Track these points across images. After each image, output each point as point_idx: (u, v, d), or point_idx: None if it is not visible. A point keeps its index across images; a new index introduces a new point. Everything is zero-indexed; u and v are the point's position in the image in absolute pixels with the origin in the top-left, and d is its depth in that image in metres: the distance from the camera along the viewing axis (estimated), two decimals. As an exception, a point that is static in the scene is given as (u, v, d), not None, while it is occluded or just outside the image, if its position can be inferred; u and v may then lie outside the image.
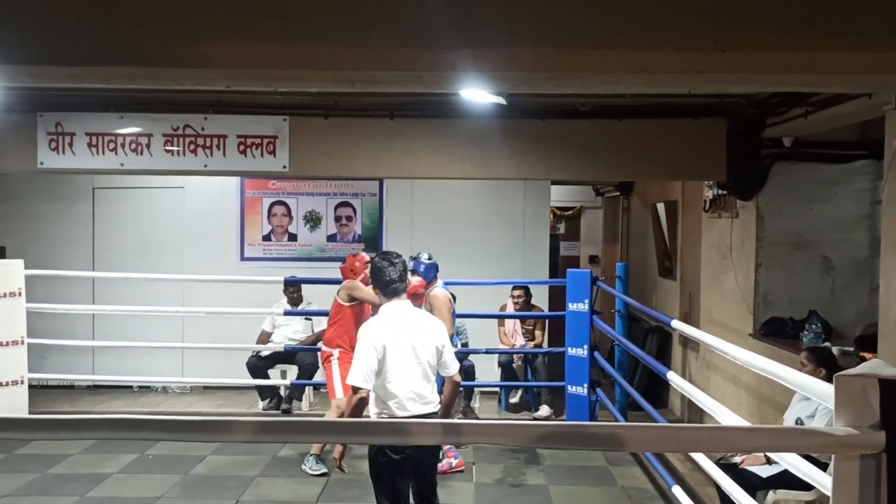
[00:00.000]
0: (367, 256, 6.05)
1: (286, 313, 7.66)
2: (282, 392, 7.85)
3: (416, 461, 3.82)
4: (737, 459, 4.56)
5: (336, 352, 6.04)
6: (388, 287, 3.92)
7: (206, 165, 6.64)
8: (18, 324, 7.14)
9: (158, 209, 8.63)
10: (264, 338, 7.94)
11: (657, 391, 7.78)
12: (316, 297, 7.93)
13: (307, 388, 7.88)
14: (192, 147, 6.61)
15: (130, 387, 8.54)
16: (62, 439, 5.89)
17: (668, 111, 6.27)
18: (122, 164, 6.66)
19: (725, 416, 3.75)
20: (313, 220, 8.74)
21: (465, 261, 8.40)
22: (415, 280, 5.69)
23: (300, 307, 7.84)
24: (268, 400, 7.82)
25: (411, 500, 3.95)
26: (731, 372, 6.34)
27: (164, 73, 2.72)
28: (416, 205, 8.65)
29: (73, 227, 8.59)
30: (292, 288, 7.74)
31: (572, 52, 2.94)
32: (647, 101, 6.06)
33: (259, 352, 7.81)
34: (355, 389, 3.72)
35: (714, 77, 2.92)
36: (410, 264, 6.02)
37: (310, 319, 7.97)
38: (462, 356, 7.75)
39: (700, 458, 4.40)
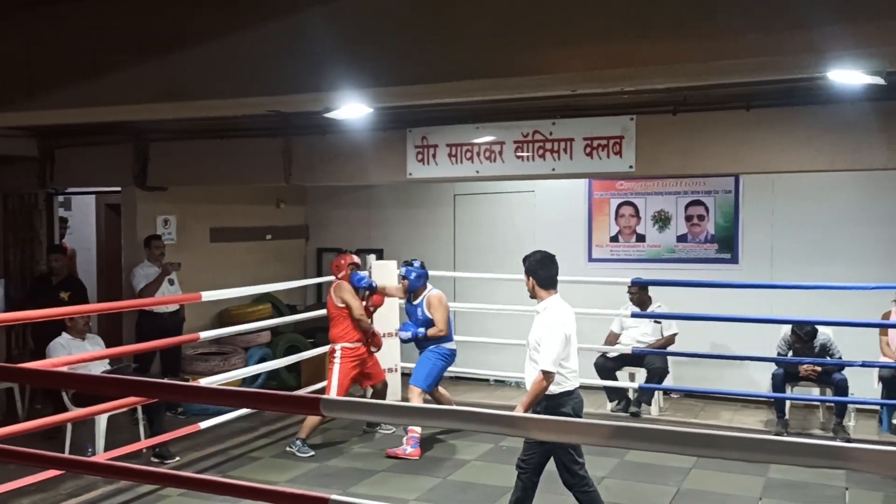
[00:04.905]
0: (354, 258, 6.87)
1: (633, 315, 7.54)
2: (630, 395, 7.74)
3: None
4: None
5: (339, 349, 6.55)
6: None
7: (553, 169, 6.80)
8: (394, 318, 8.00)
9: (511, 213, 9.04)
10: (612, 339, 7.92)
11: None
12: (667, 299, 7.67)
13: (657, 392, 7.68)
14: (541, 152, 6.80)
15: (487, 380, 9.06)
16: (439, 427, 6.46)
17: None
18: (478, 172, 7.09)
19: None
20: (662, 220, 8.49)
21: (838, 263, 7.54)
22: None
23: (649, 309, 7.66)
24: (616, 402, 7.78)
25: None
26: None
27: (503, 83, 2.80)
28: (777, 202, 7.95)
29: (437, 231, 9.37)
30: (634, 289, 7.60)
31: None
32: None
33: (607, 353, 7.80)
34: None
35: None
36: (402, 270, 6.74)
37: (659, 322, 7.76)
38: (833, 368, 6.97)
39: None
